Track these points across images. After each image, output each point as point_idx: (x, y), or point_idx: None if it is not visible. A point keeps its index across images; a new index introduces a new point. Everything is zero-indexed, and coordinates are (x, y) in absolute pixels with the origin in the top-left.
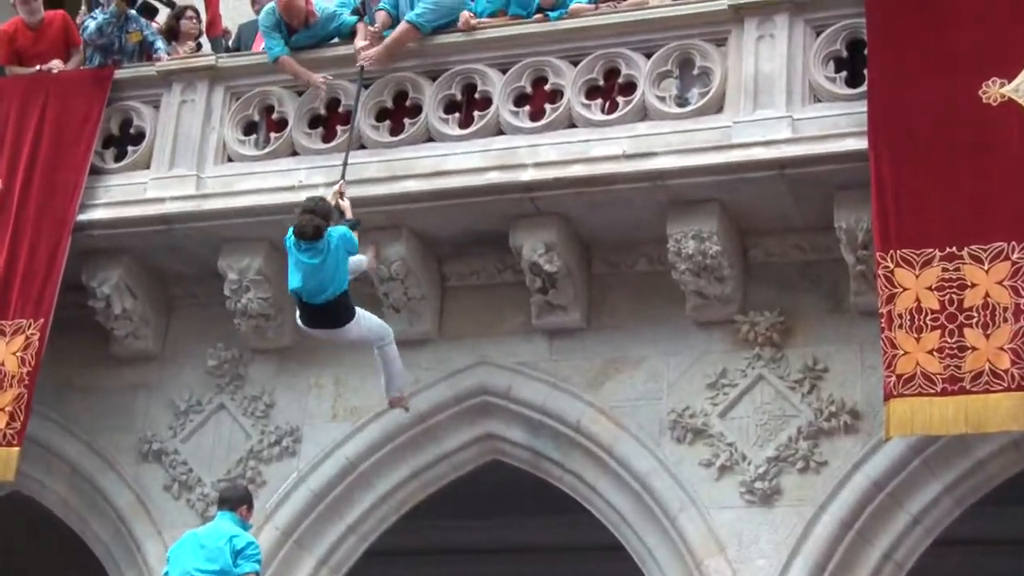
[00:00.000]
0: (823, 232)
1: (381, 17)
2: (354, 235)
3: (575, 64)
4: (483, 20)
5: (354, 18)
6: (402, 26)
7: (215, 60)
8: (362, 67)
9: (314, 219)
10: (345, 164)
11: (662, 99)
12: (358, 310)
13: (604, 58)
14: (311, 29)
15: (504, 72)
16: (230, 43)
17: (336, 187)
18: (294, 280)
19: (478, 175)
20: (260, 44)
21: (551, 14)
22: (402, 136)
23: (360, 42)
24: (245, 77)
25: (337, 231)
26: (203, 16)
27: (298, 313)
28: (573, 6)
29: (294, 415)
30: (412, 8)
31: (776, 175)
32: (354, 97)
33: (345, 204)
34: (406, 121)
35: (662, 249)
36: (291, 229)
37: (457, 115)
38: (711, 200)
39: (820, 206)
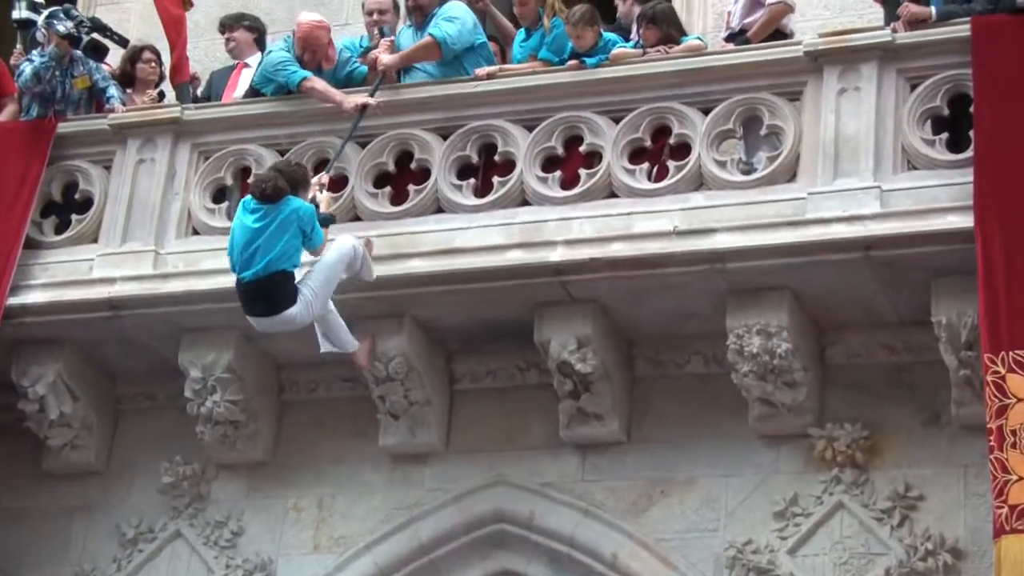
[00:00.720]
0: (918, 328)
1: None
2: (321, 229)
3: (617, 121)
4: (506, 67)
5: (365, 68)
6: (425, 40)
7: (180, 111)
8: (379, 77)
9: (278, 179)
10: (335, 158)
11: (722, 164)
12: (305, 289)
13: (652, 114)
14: (323, 74)
15: (530, 130)
16: (199, 92)
17: (318, 178)
18: (231, 247)
19: (497, 254)
20: (233, 93)
21: (588, 60)
22: (406, 206)
23: (382, 55)
24: (216, 132)
25: (299, 202)
26: (165, 59)
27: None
28: (615, 51)
29: (266, 545)
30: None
31: (861, 258)
32: (350, 130)
33: (324, 196)
34: (411, 188)
35: (720, 346)
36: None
37: (472, 181)
38: (781, 288)
39: (914, 296)
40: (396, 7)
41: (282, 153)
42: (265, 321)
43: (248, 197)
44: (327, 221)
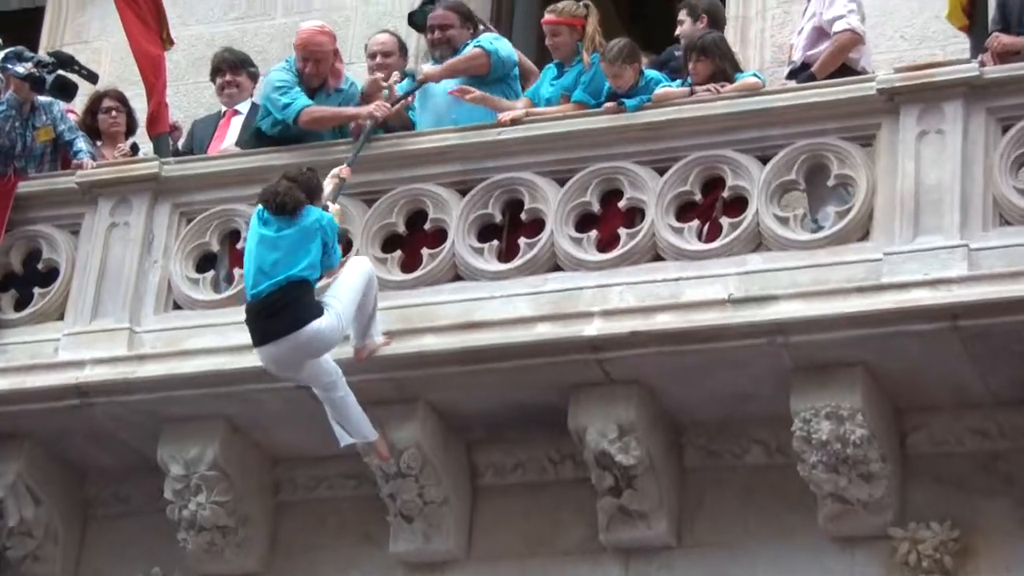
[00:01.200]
0: (1015, 410)
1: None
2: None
3: (661, 172)
4: (533, 111)
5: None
6: (473, 50)
7: (158, 167)
8: (367, 130)
9: (294, 190)
10: (355, 153)
11: (783, 221)
12: (331, 301)
13: (702, 163)
14: (331, 98)
15: (562, 183)
16: (180, 144)
17: (337, 171)
18: (246, 262)
19: (524, 328)
20: (221, 144)
21: (628, 102)
22: (418, 273)
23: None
24: (201, 190)
25: (319, 212)
26: (141, 105)
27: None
28: (659, 91)
29: None
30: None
31: (947, 328)
32: (360, 140)
33: (334, 209)
34: (424, 252)
35: (784, 433)
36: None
37: (495, 243)
38: (854, 364)
39: (1010, 373)
40: (403, 49)
41: None
42: (286, 346)
43: (260, 208)
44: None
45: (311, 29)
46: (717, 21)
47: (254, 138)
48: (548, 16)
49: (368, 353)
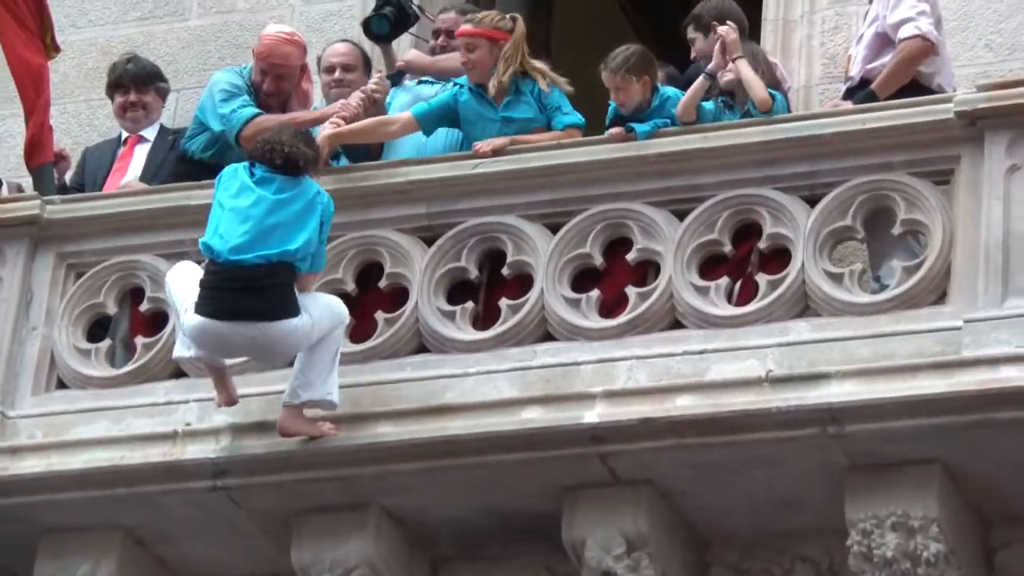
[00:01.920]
0: None
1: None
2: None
3: (681, 216)
4: (519, 138)
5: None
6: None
7: (40, 207)
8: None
9: (299, 146)
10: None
11: (836, 279)
12: (312, 304)
13: (734, 205)
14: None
15: (555, 230)
16: (67, 178)
17: (373, 86)
18: (220, 222)
19: (507, 414)
20: (121, 179)
21: (638, 127)
22: (372, 343)
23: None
24: (94, 237)
25: (319, 187)
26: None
27: (196, 300)
28: (681, 109)
29: None
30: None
31: None
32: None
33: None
34: (379, 316)
35: (838, 548)
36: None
37: (470, 306)
38: (927, 461)
39: None
40: (367, 64)
41: (199, 261)
42: (248, 334)
43: (246, 165)
44: None
45: (276, 36)
46: (739, 27)
47: (176, 166)
48: (465, 27)
49: (305, 430)
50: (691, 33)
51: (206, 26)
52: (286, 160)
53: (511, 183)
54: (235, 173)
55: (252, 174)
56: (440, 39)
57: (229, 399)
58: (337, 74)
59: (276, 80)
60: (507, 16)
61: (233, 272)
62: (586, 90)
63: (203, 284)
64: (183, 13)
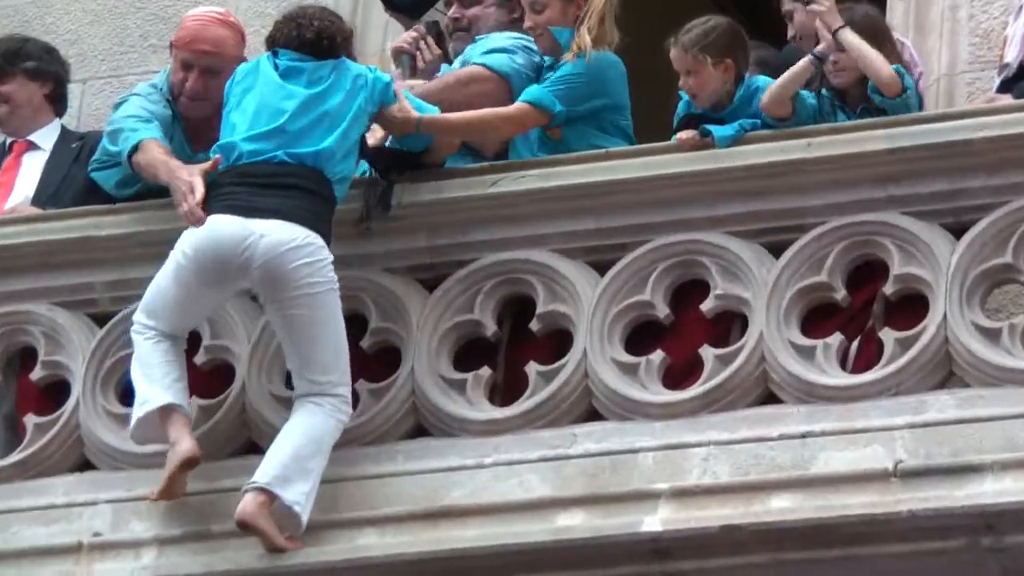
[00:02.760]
0: None
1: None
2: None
3: (776, 251)
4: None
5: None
6: (473, 69)
7: None
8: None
9: (332, 21)
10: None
11: (991, 336)
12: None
13: (849, 235)
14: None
15: (602, 270)
16: None
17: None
18: (237, 118)
19: (536, 520)
20: (5, 202)
21: (717, 131)
22: (353, 423)
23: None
24: None
25: (363, 67)
26: None
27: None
28: (769, 98)
29: None
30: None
31: None
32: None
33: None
34: (362, 387)
35: None
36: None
37: (486, 372)
38: None
39: None
40: None
41: (100, 319)
42: (268, 240)
43: (268, 56)
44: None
45: (203, 16)
46: None
47: (84, 184)
48: None
49: (268, 531)
50: (787, 4)
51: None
52: (319, 38)
53: (542, 206)
54: (255, 68)
55: (276, 67)
56: (454, 8)
57: (193, 449)
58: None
59: (204, 76)
60: None
61: (253, 170)
62: (652, 74)
63: (211, 191)
64: None
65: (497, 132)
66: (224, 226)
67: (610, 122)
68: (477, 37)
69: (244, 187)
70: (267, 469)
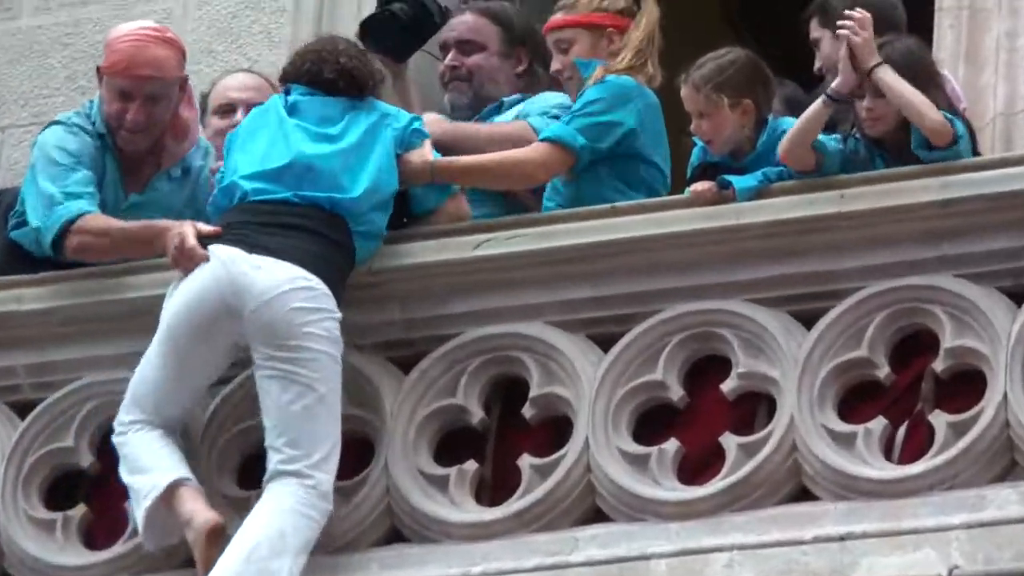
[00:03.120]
0: None
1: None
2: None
3: (807, 321)
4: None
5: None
6: (516, 125)
7: None
8: None
9: (362, 62)
10: None
11: None
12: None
13: (891, 303)
14: (173, 183)
15: (606, 345)
16: None
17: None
18: (239, 159)
19: None
20: None
21: (738, 181)
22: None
23: None
24: None
25: (390, 107)
26: None
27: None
28: (786, 147)
29: None
30: None
31: None
32: None
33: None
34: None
35: None
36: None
37: (472, 467)
38: None
39: None
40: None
41: (21, 408)
42: (271, 279)
43: (280, 96)
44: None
45: (136, 34)
46: (890, 23)
47: (3, 248)
48: (556, 16)
49: None
50: (815, 30)
51: (46, 27)
52: (344, 78)
53: (536, 271)
54: (265, 110)
55: (286, 103)
56: (451, 54)
57: (215, 516)
58: (239, 116)
59: (147, 105)
60: None
61: (262, 208)
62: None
63: (227, 224)
64: (10, 7)
65: (522, 177)
66: (220, 254)
67: (635, 172)
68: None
69: (245, 225)
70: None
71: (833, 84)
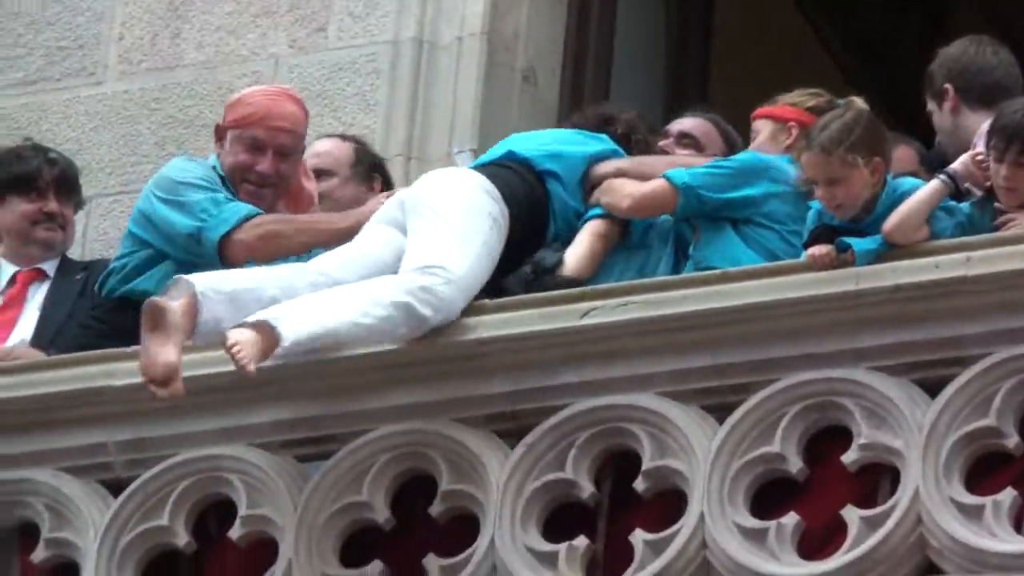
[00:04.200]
0: None
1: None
2: None
3: (932, 390)
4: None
5: None
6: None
7: None
8: None
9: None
10: None
11: None
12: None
13: (1021, 368)
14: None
15: (721, 416)
16: None
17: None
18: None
19: None
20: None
21: (858, 244)
22: None
23: None
24: None
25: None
26: None
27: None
28: (895, 227)
29: None
30: None
31: None
32: None
33: None
34: (432, 563)
35: None
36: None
37: (583, 543)
38: None
39: None
40: (364, 166)
41: (114, 487)
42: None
43: None
44: None
45: (273, 91)
46: (980, 89)
47: (82, 324)
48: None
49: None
50: (929, 102)
51: (132, 92)
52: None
53: (647, 340)
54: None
55: None
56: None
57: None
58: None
59: (277, 158)
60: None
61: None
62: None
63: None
64: (93, 71)
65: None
66: None
67: (755, 235)
68: None
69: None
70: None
71: (955, 166)
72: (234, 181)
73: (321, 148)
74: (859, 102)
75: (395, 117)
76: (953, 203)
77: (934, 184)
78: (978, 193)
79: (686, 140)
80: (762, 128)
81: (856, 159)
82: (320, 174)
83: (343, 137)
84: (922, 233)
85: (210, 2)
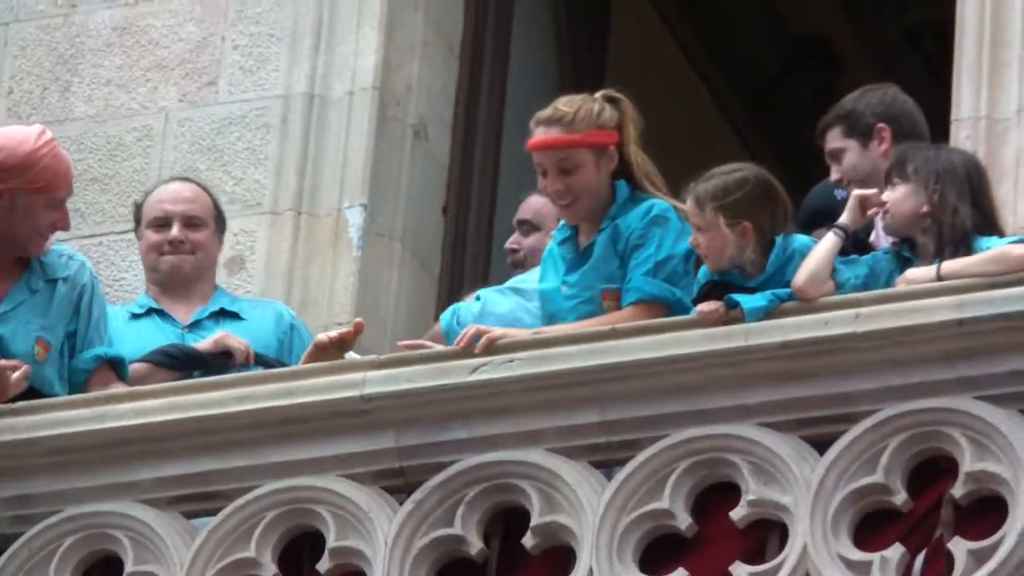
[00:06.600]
0: None
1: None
2: None
3: (820, 446)
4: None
5: None
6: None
7: None
8: None
9: None
10: None
11: None
12: None
13: (908, 427)
14: (34, 285)
15: (609, 472)
16: None
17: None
18: None
19: None
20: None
21: (746, 302)
22: None
23: None
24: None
25: None
26: None
27: None
28: (804, 280)
29: None
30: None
31: None
32: None
33: None
34: None
35: None
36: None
37: None
38: None
39: None
40: (219, 215)
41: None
42: None
43: None
44: None
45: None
46: (914, 134)
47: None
48: (542, 133)
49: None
50: (836, 140)
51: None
52: None
53: (536, 396)
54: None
55: None
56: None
57: None
58: (175, 231)
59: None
60: (596, 98)
61: None
62: None
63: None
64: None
65: None
66: None
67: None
68: None
69: None
70: None
71: (843, 218)
72: None
73: (189, 194)
74: (753, 168)
75: (286, 172)
76: (854, 255)
77: (830, 237)
78: (887, 244)
79: (525, 227)
80: (583, 161)
81: (718, 217)
82: (194, 223)
83: (197, 183)
84: (830, 286)
85: (100, 55)
